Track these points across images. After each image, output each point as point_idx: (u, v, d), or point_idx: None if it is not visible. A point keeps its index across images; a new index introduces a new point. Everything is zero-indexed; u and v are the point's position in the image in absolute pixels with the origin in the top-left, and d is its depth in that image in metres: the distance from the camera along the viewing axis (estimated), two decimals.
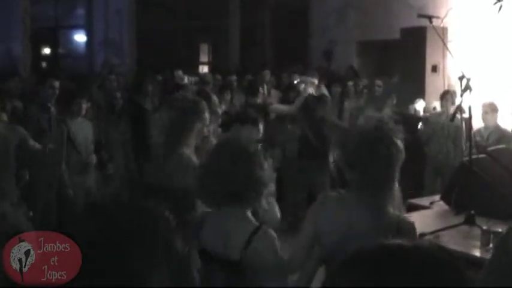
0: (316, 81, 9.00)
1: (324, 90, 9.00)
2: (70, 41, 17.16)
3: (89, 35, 16.00)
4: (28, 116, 6.37)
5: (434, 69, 9.63)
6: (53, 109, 6.44)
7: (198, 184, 3.05)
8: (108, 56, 13.05)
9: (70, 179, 6.49)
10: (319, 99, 8.02)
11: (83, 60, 16.01)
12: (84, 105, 6.78)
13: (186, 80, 9.87)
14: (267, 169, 2.99)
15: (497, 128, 7.49)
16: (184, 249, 1.13)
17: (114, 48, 14.76)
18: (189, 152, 4.17)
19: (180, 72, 10.55)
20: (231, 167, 2.87)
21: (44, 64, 16.47)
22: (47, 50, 17.17)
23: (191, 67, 14.02)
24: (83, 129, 6.74)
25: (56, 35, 17.00)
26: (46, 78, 6.79)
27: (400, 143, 2.82)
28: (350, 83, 10.19)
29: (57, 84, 6.65)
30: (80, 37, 16.71)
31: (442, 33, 7.38)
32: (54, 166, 6.31)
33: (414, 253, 1.07)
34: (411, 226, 2.89)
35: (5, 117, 6.07)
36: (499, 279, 2.05)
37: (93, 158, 6.81)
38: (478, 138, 7.24)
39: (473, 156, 5.03)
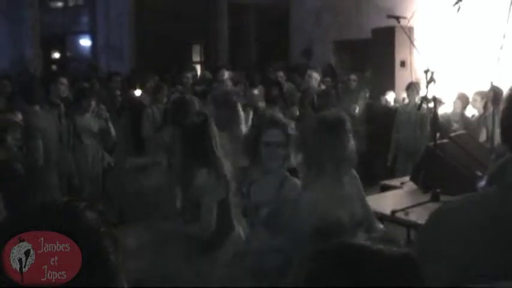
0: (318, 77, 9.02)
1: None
2: (76, 45, 17.04)
3: (93, 39, 15.90)
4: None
5: (403, 64, 9.64)
6: (62, 106, 6.43)
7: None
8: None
9: (77, 169, 6.47)
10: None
11: (88, 62, 15.92)
12: (93, 103, 6.75)
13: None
14: None
15: (463, 116, 7.53)
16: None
17: (116, 51, 14.67)
18: None
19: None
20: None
21: (54, 67, 16.37)
22: (56, 55, 17.05)
23: (186, 66, 13.87)
24: (90, 124, 6.70)
25: (64, 41, 16.88)
26: (56, 77, 6.92)
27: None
28: (328, 80, 10.22)
29: (65, 81, 6.80)
30: (85, 42, 16.59)
31: (409, 32, 7.35)
32: (64, 157, 6.30)
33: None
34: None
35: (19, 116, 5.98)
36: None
37: (101, 149, 6.77)
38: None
39: (438, 141, 5.07)
